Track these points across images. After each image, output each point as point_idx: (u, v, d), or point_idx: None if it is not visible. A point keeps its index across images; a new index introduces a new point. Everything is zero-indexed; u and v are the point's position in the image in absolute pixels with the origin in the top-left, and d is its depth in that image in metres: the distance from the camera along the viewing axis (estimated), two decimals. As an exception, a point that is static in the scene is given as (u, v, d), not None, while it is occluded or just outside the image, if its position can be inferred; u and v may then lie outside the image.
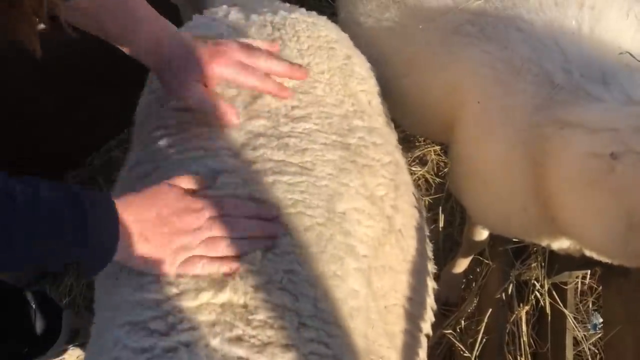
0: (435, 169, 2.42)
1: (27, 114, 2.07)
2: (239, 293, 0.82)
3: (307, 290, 0.86)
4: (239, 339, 0.78)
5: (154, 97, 1.20)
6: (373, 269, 1.02)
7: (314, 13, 1.39)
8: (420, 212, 1.29)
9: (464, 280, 2.15)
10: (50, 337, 1.77)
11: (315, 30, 1.29)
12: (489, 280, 2.00)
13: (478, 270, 2.08)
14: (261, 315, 0.81)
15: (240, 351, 0.77)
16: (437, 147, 2.44)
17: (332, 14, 2.44)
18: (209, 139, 1.03)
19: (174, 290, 0.82)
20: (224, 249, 0.87)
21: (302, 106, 1.13)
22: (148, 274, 0.84)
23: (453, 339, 1.89)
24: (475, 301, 2.02)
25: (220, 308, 0.80)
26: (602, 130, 1.10)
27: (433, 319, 1.23)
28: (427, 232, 1.33)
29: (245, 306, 0.81)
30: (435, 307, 1.24)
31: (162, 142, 1.06)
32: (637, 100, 1.08)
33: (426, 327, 1.21)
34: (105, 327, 0.86)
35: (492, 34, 1.30)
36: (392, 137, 1.32)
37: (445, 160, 2.40)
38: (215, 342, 0.77)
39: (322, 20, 1.36)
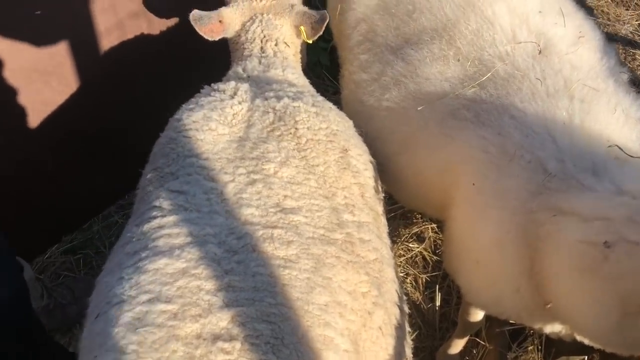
0: (433, 246, 2.41)
1: (26, 172, 2.10)
2: None
3: None
4: None
5: (156, 175, 1.24)
6: None
7: (320, 100, 1.40)
8: (401, 309, 1.28)
9: (460, 362, 2.09)
10: None
11: (316, 122, 1.32)
12: (485, 362, 1.95)
13: (474, 351, 2.03)
14: None
15: None
16: (435, 225, 2.44)
17: (334, 92, 2.54)
18: (198, 224, 1.08)
19: None
20: None
21: (295, 197, 1.16)
22: None
23: None
24: (471, 384, 1.97)
25: None
26: (595, 219, 1.12)
27: None
28: (408, 329, 1.32)
29: None
30: None
31: (154, 223, 1.10)
32: (627, 190, 1.11)
33: None
34: None
35: (486, 120, 1.35)
36: (382, 230, 1.33)
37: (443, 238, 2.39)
38: None
39: (326, 110, 1.38)
